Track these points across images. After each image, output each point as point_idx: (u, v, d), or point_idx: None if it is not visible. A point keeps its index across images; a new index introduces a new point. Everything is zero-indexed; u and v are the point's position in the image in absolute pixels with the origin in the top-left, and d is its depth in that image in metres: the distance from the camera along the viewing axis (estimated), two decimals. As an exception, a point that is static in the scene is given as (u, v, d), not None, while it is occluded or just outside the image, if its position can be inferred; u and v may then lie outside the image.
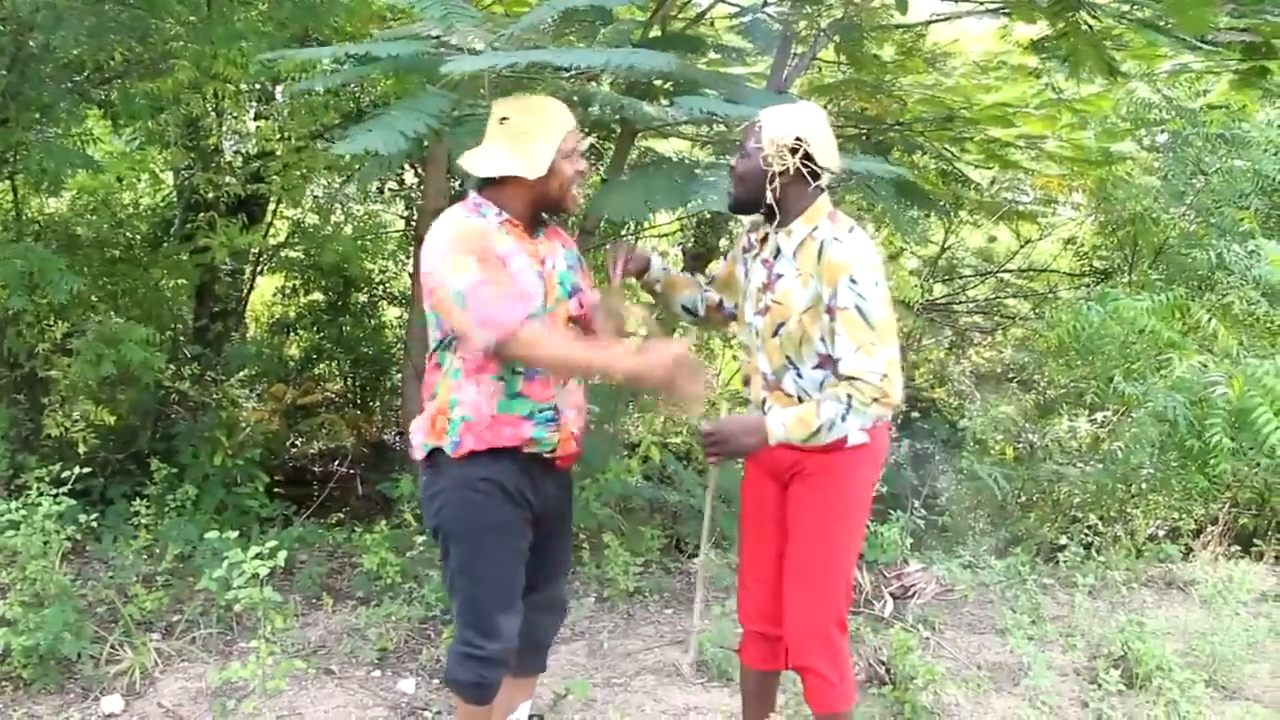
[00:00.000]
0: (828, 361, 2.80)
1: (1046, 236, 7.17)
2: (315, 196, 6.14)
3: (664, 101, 3.84)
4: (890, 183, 4.63)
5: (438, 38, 3.41)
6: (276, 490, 6.26)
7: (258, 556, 3.39)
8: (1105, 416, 6.04)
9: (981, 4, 5.04)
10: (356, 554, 4.83)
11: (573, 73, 3.70)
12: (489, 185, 2.84)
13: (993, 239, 8.97)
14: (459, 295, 2.65)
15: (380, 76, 5.30)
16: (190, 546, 4.45)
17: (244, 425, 5.21)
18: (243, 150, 6.63)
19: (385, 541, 4.56)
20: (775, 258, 2.88)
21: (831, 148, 2.88)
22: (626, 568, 4.66)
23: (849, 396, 2.68)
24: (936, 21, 5.49)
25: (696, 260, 6.29)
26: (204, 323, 6.02)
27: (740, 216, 3.21)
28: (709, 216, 6.28)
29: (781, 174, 2.82)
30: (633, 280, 3.15)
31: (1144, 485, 5.63)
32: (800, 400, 2.83)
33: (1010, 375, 8.61)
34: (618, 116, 3.83)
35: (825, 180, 2.91)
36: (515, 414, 2.79)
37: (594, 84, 3.79)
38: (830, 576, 2.88)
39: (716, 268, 3.26)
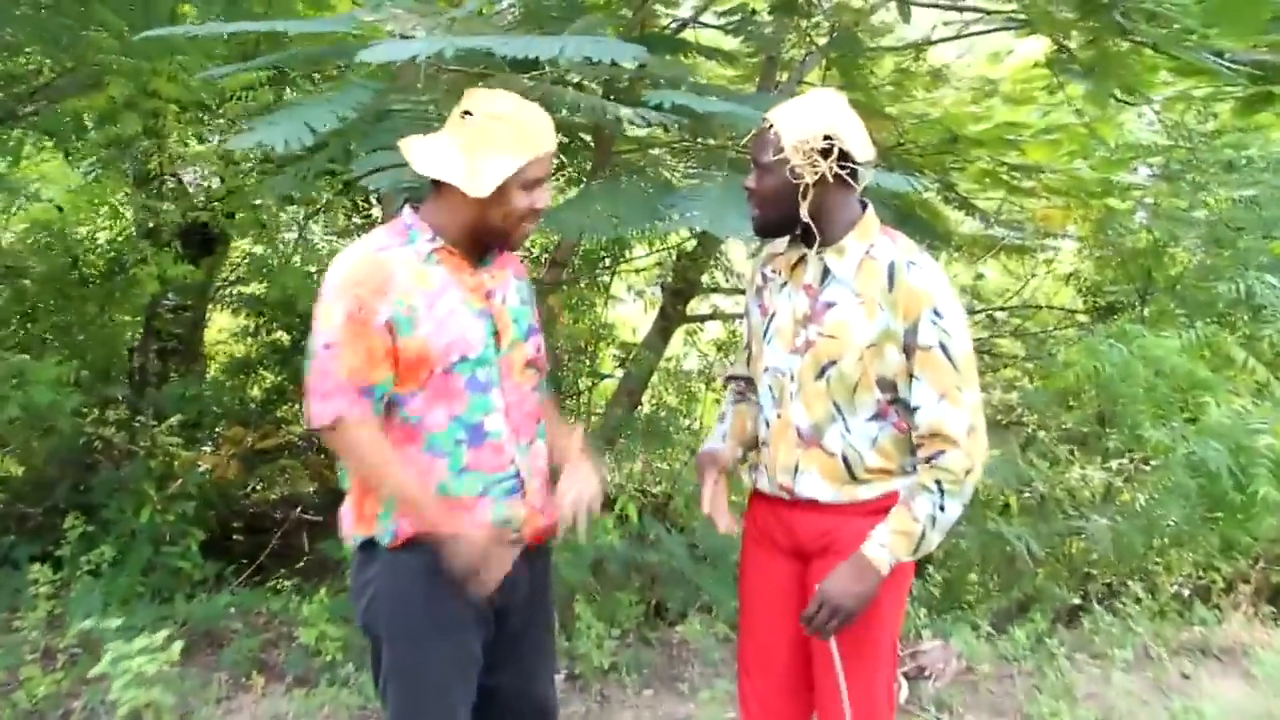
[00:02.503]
0: (888, 409, 2.19)
1: (1046, 273, 6.50)
2: (264, 225, 5.42)
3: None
4: (889, 210, 3.97)
5: (366, 23, 2.73)
6: (235, 537, 5.54)
7: (144, 651, 2.65)
8: (1121, 464, 5.34)
9: (993, 12, 4.39)
10: (296, 623, 4.08)
11: (535, 73, 3.02)
12: (433, 192, 2.19)
13: (979, 276, 8.31)
14: (310, 353, 2.08)
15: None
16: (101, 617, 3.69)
17: (178, 475, 4.45)
18: (204, 180, 5.95)
19: (325, 611, 3.83)
20: (823, 283, 2.24)
21: (863, 137, 2.22)
22: (601, 641, 3.94)
23: (938, 483, 2.13)
24: (941, 41, 4.84)
25: (677, 297, 5.58)
26: (140, 362, 5.27)
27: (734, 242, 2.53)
28: (690, 249, 5.58)
29: (818, 184, 2.17)
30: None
31: (1166, 539, 4.93)
32: (845, 461, 2.22)
33: (1001, 419, 7.93)
34: (581, 120, 3.15)
35: (868, 179, 2.24)
36: (464, 494, 2.16)
37: (562, 86, 3.11)
38: (880, 660, 2.29)
39: (740, 339, 2.58)
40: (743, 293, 6.15)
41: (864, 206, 2.25)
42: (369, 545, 2.20)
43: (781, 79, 4.71)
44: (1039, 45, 5.96)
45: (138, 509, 4.37)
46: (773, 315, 2.33)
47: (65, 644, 3.67)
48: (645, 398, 5.72)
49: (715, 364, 6.33)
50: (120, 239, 6.45)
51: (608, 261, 6.55)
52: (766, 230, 2.28)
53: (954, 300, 2.17)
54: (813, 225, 2.19)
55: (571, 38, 2.52)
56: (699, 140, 3.38)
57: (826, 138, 2.14)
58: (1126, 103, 5.57)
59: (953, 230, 6.37)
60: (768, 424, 2.34)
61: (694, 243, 5.53)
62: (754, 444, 2.46)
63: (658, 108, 2.70)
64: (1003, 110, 6.18)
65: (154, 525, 4.37)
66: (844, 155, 2.16)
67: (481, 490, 2.18)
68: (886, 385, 2.18)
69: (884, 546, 2.13)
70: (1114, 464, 5.36)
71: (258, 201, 5.14)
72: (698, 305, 6.16)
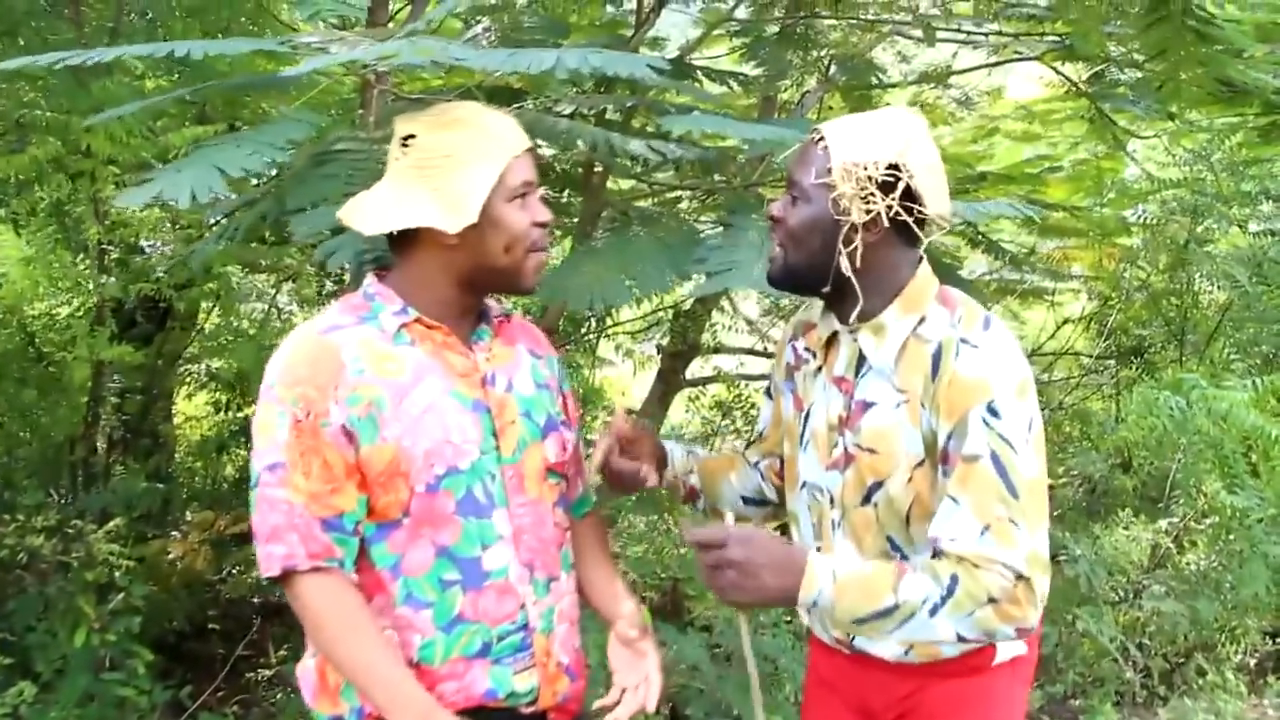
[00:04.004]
0: None
1: (1079, 319, 5.86)
2: (219, 296, 4.73)
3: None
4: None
5: (304, 46, 2.06)
6: (212, 626, 4.86)
7: None
8: (1171, 524, 4.66)
9: (1022, 35, 3.77)
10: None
11: (517, 105, 2.37)
12: (397, 256, 1.60)
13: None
14: (253, 476, 1.53)
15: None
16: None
17: (120, 586, 3.69)
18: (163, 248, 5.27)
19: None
20: (858, 374, 1.59)
21: (941, 182, 1.57)
22: (614, 769, 3.19)
23: (953, 580, 1.45)
24: (963, 71, 4.24)
25: (676, 360, 4.90)
26: (83, 456, 4.53)
27: (779, 295, 1.86)
28: (690, 305, 4.91)
29: (868, 228, 1.52)
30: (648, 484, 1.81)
31: (1235, 607, 4.25)
32: None
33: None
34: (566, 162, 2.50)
35: (932, 237, 1.60)
36: (456, 656, 1.53)
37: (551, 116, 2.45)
38: None
39: (761, 412, 1.94)
40: (755, 353, 5.53)
41: (916, 264, 1.61)
42: None
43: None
44: (1036, 79, 5.43)
45: (72, 631, 3.61)
46: (808, 412, 1.68)
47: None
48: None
49: (719, 429, 5.62)
50: (80, 315, 5.76)
51: (594, 323, 5.88)
52: (786, 279, 1.63)
53: (1021, 398, 1.50)
54: (852, 286, 1.54)
55: (570, 50, 1.86)
56: (714, 179, 2.71)
57: (891, 167, 1.51)
58: (1136, 136, 5.02)
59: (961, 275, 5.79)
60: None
61: (692, 299, 4.86)
62: (716, 474, 1.88)
63: (665, 137, 2.04)
64: (1004, 148, 5.63)
65: (91, 649, 3.61)
66: (911, 196, 1.52)
67: (479, 649, 1.54)
68: None
69: (833, 581, 1.45)
70: (1163, 523, 4.69)
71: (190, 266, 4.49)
72: (700, 367, 5.48)
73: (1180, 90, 3.04)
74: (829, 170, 1.52)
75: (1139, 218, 5.26)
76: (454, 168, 1.50)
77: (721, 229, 2.28)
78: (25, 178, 3.91)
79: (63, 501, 4.08)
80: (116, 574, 3.70)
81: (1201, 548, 4.58)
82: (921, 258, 1.59)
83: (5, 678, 3.35)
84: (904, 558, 1.57)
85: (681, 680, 3.87)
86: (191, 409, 6.55)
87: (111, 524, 3.67)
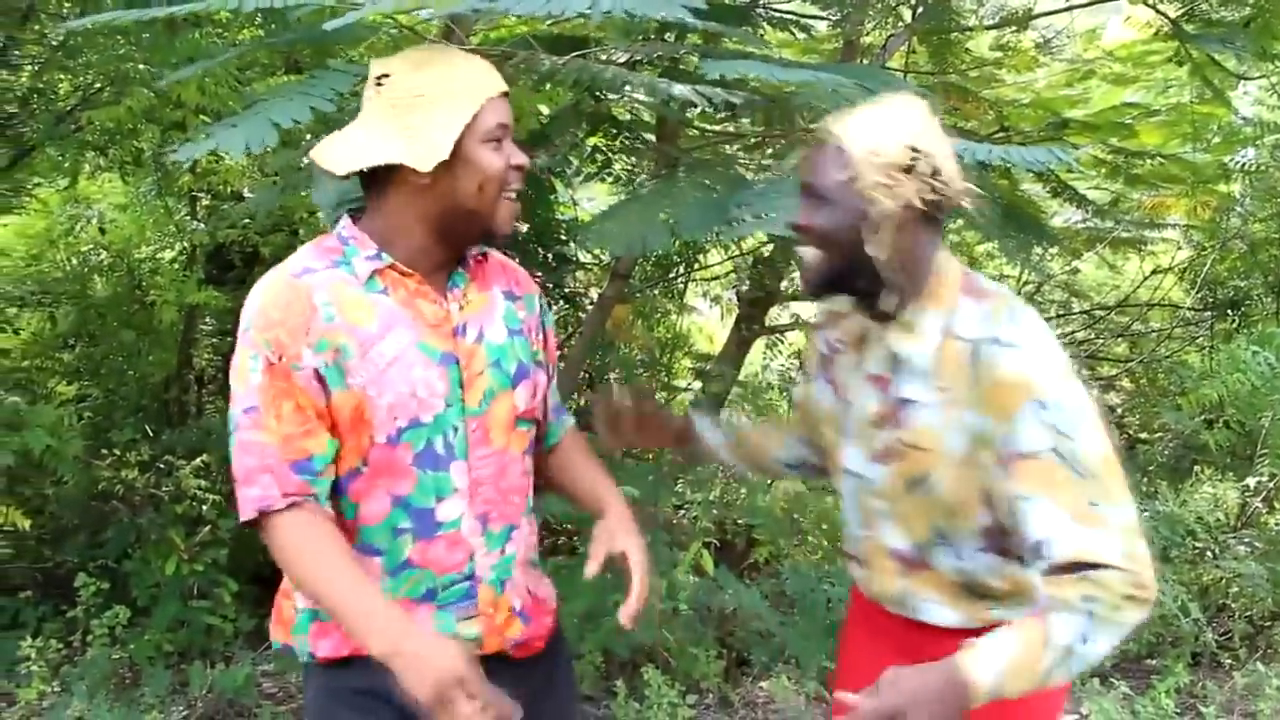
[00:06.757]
0: (996, 539, 1.53)
1: (1168, 268, 5.64)
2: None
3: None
4: (997, 208, 3.24)
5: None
6: None
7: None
8: (1260, 483, 4.51)
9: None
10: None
11: (577, 53, 2.36)
12: (371, 200, 1.57)
13: (1075, 270, 7.45)
14: (231, 421, 1.53)
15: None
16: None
17: (208, 519, 3.87)
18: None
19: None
20: (895, 372, 1.57)
21: (954, 158, 1.54)
22: (674, 709, 3.27)
23: (1088, 602, 1.40)
24: (1045, 15, 4.08)
25: (754, 306, 4.88)
26: (176, 395, 4.73)
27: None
28: (767, 252, 4.87)
29: (899, 217, 1.50)
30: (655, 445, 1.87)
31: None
32: (967, 581, 1.57)
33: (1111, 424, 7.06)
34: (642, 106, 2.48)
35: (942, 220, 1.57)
36: (402, 597, 1.57)
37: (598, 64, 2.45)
38: None
39: (796, 390, 1.90)
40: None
41: (935, 252, 1.57)
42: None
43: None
44: (1140, 18, 5.20)
45: (164, 560, 3.80)
46: (848, 402, 1.67)
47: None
48: (722, 418, 5.03)
49: (796, 375, 5.60)
50: (181, 259, 5.98)
51: (682, 268, 5.87)
52: (826, 285, 1.58)
53: (1065, 380, 1.47)
54: (889, 278, 1.52)
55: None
56: (775, 129, 2.68)
57: (912, 150, 1.47)
58: (1243, 77, 4.79)
59: (1046, 224, 5.61)
60: (855, 540, 1.72)
61: (772, 245, 4.82)
62: (758, 447, 1.93)
63: (718, 83, 2.02)
64: (1101, 92, 5.40)
65: (181, 578, 3.80)
66: (933, 175, 1.48)
67: (424, 594, 1.57)
68: (993, 507, 1.51)
69: (996, 675, 1.37)
70: (1251, 482, 4.53)
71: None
72: (778, 314, 5.43)
73: (1270, 27, 2.88)
74: (850, 165, 1.48)
75: (1240, 164, 5.02)
76: (427, 106, 1.47)
77: (777, 175, 2.26)
78: (130, 127, 4.03)
79: (159, 438, 4.26)
80: (204, 508, 3.88)
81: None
82: (939, 244, 1.56)
83: (105, 601, 3.54)
84: (952, 545, 1.56)
85: (750, 628, 3.92)
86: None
87: (198, 460, 3.83)
